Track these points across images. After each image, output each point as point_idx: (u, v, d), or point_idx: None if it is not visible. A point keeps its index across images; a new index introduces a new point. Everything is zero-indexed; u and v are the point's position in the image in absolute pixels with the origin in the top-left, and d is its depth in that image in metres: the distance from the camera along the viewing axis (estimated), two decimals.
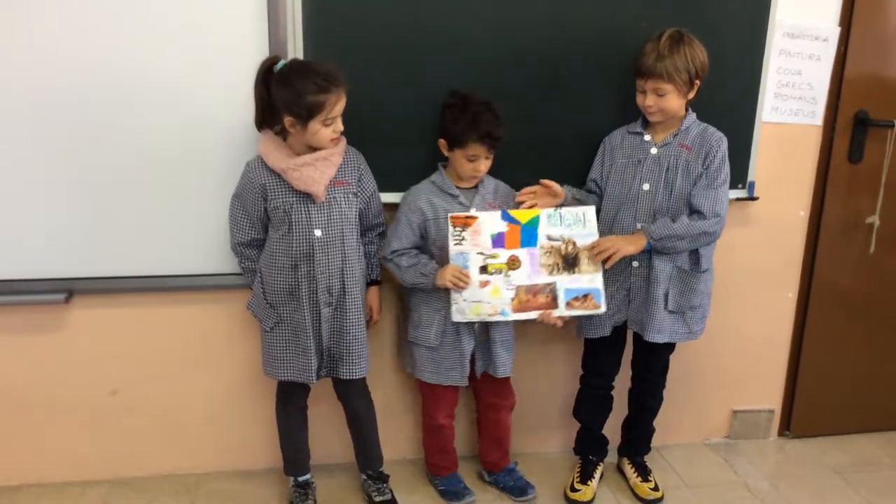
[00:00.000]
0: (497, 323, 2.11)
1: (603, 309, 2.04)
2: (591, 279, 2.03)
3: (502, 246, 2.03)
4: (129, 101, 2.00)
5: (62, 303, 2.10)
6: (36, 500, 2.23)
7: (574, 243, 2.04)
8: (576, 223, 2.04)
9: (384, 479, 2.25)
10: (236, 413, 2.34)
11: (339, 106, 1.84)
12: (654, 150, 2.10)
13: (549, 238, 2.04)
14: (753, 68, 2.26)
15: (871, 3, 2.33)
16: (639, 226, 2.09)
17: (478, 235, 2.02)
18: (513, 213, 2.04)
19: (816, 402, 2.69)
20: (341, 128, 1.88)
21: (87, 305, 2.16)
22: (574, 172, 2.20)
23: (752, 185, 2.36)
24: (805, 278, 2.58)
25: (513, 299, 2.03)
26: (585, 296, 2.04)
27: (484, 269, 2.03)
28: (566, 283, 2.04)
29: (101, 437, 2.30)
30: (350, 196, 1.97)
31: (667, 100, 2.01)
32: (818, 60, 2.34)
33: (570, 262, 2.04)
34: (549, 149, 2.21)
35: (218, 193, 2.03)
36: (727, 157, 2.08)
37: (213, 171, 2.05)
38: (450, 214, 2.02)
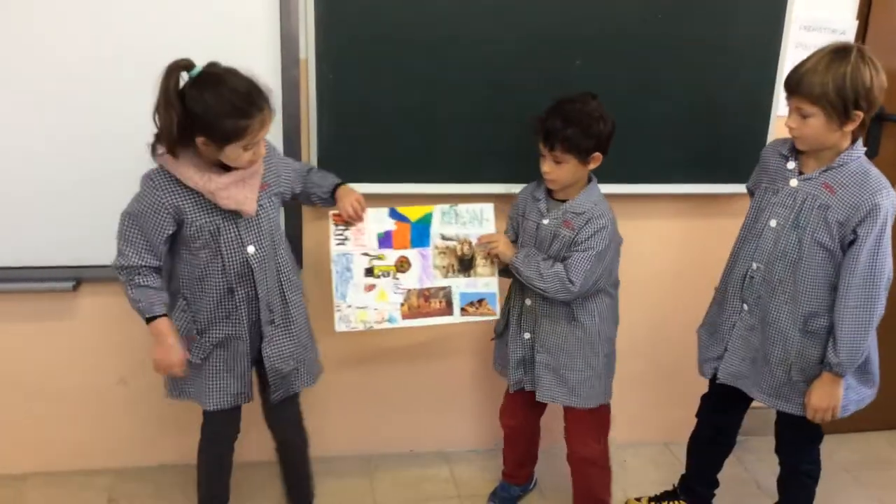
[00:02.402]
0: (542, 343, 1.92)
1: (497, 315, 1.93)
2: (486, 283, 1.91)
3: (390, 246, 1.88)
4: (137, 89, 1.93)
5: (70, 290, 2.10)
6: (42, 488, 2.23)
7: (470, 243, 1.89)
8: (472, 221, 1.88)
9: None
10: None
11: (264, 131, 1.59)
12: (794, 182, 1.75)
13: (444, 238, 1.90)
14: (769, 61, 2.23)
15: None
16: (754, 265, 1.80)
17: (362, 235, 1.87)
18: (402, 209, 1.89)
19: None
20: (263, 152, 1.66)
21: (95, 293, 2.15)
22: None
23: None
24: None
25: (402, 304, 1.89)
26: (480, 301, 1.93)
27: (370, 272, 1.88)
28: (461, 286, 1.90)
29: (107, 425, 2.29)
30: (273, 198, 1.77)
31: (809, 125, 1.66)
32: None
33: (465, 265, 1.90)
34: None
35: None
36: (886, 226, 1.65)
37: None
38: (331, 212, 1.87)
